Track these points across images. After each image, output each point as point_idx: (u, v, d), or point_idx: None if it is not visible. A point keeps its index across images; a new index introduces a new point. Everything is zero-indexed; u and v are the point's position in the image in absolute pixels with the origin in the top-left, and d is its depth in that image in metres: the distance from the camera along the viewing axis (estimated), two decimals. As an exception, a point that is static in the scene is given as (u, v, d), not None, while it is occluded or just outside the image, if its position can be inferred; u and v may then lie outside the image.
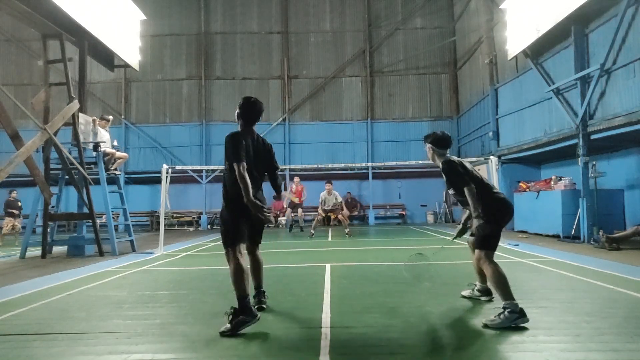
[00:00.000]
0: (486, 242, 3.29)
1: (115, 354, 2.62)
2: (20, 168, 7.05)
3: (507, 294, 3.09)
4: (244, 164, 3.21)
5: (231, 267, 3.19)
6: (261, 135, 3.71)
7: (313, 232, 11.20)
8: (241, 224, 3.33)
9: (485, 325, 3.01)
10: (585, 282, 4.50)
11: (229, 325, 2.95)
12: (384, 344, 2.71)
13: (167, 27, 18.34)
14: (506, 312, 2.99)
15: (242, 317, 2.98)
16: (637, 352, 2.49)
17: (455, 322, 3.16)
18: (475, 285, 3.86)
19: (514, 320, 2.96)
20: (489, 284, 3.53)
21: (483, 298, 3.76)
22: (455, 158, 3.58)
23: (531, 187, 10.92)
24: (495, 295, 3.42)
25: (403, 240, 10.15)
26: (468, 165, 3.51)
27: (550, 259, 6.22)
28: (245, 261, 3.32)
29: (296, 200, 12.91)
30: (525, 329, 2.93)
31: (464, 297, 3.88)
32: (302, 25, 18.66)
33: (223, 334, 2.92)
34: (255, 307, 3.38)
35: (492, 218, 3.27)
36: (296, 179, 13.36)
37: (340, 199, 11.74)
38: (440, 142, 3.63)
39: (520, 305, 3.01)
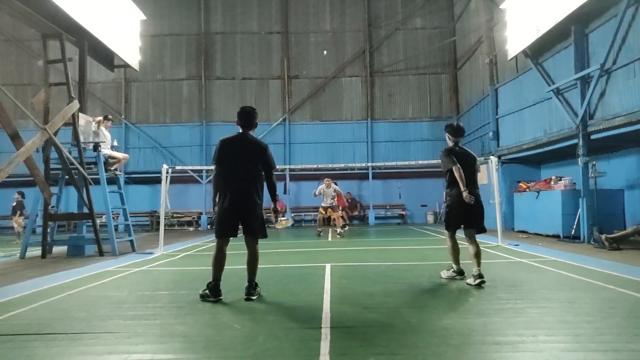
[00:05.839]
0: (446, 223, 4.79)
1: (115, 354, 2.62)
2: (20, 168, 7.04)
3: (455, 260, 4.74)
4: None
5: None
6: (256, 137, 4.28)
7: (320, 230, 11.77)
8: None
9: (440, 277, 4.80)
10: (585, 282, 4.50)
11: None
12: (384, 344, 2.71)
13: (167, 27, 18.34)
14: (450, 271, 4.78)
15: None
16: (638, 352, 2.49)
17: (456, 322, 3.16)
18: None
19: (455, 276, 4.71)
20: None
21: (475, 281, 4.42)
22: (449, 147, 4.81)
23: (531, 187, 10.92)
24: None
25: (403, 241, 10.15)
26: (459, 154, 4.71)
27: (550, 259, 6.22)
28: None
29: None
30: (525, 328, 2.93)
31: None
32: (302, 25, 18.66)
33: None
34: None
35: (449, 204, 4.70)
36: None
37: (339, 192, 11.53)
38: (452, 132, 4.84)
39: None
